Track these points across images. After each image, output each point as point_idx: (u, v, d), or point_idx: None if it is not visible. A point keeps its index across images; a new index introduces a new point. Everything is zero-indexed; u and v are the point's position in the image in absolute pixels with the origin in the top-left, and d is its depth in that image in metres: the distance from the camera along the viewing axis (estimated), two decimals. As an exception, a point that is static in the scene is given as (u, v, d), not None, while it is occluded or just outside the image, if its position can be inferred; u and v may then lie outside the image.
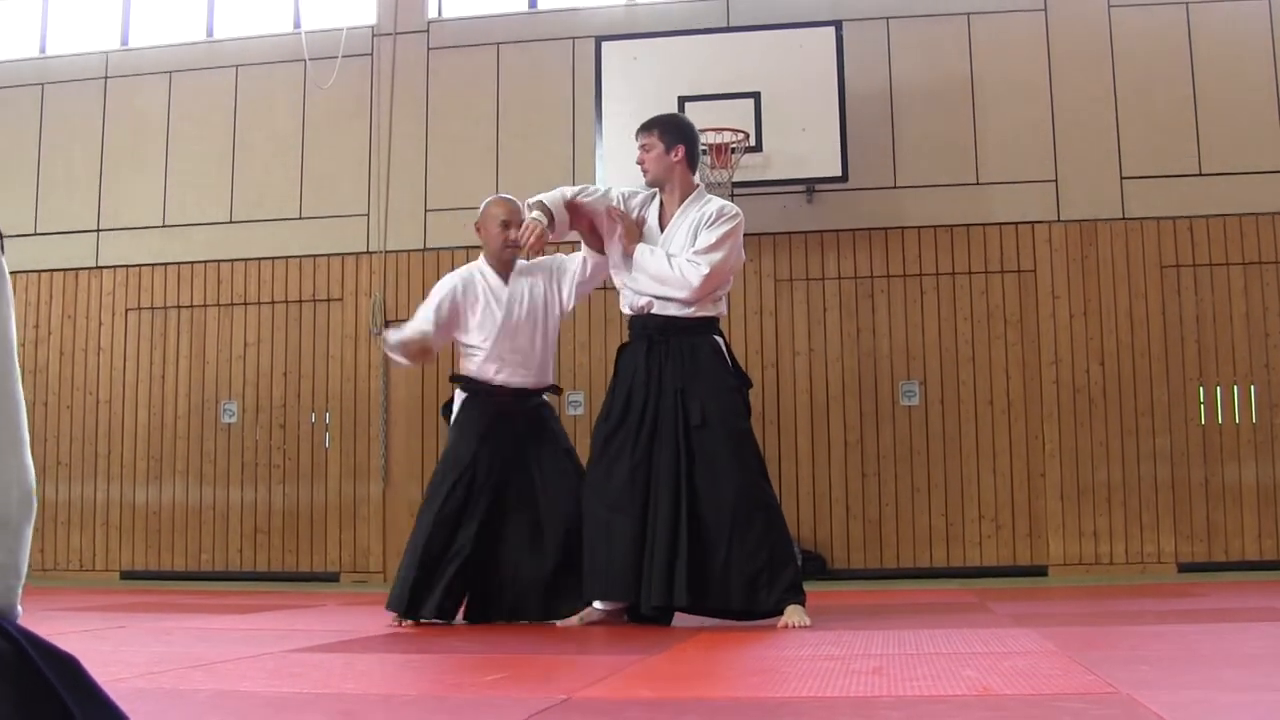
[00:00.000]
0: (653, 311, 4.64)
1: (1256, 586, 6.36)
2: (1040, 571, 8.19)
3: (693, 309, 4.58)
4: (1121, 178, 8.48)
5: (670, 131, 4.74)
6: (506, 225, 4.91)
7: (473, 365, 4.92)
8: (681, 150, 4.71)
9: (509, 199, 5.04)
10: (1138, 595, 5.91)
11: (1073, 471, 8.26)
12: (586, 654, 3.73)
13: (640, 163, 4.77)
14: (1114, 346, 8.34)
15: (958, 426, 8.42)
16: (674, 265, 4.54)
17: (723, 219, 4.60)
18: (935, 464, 8.40)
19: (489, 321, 4.89)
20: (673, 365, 4.56)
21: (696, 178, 4.84)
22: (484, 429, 4.85)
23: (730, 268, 4.63)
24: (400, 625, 4.66)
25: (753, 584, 4.35)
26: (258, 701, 2.61)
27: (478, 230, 5.06)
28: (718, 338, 4.67)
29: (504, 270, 4.98)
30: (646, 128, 4.77)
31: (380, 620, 4.86)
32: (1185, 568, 8.05)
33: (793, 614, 4.30)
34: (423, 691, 2.87)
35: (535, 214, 4.51)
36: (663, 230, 4.72)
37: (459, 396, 4.98)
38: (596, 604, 4.61)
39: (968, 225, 8.57)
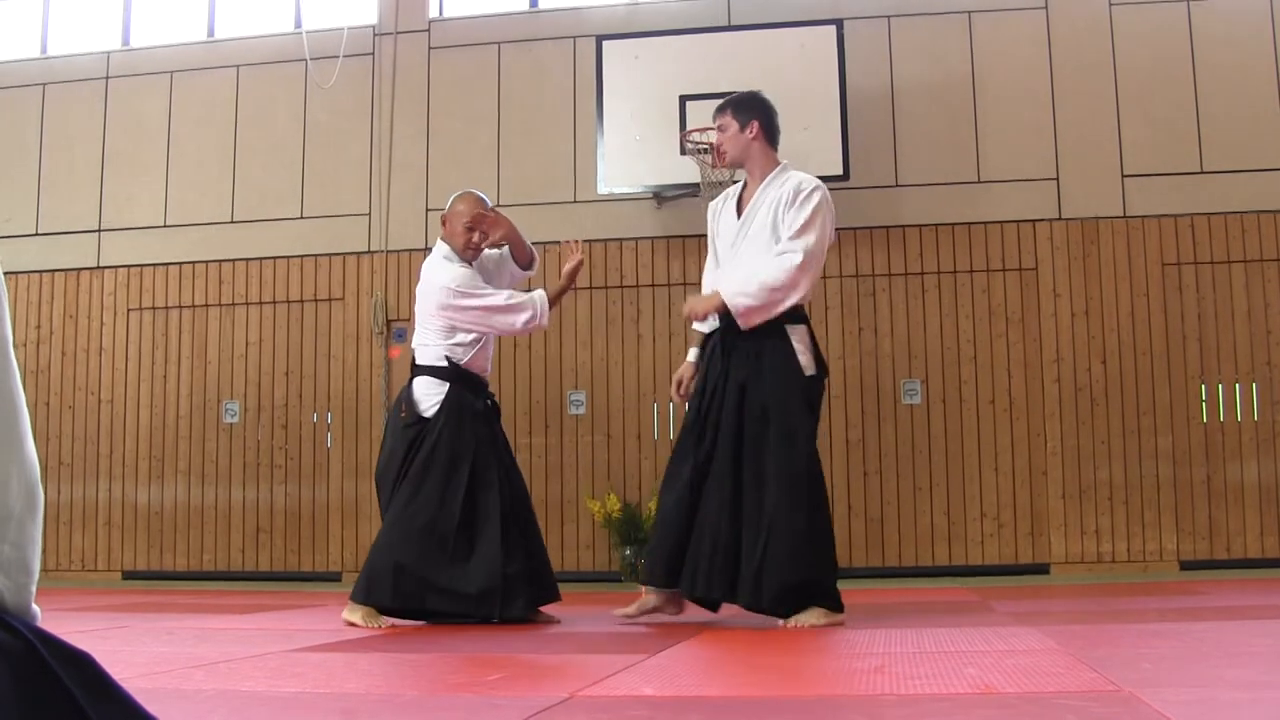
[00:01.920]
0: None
1: (1258, 584, 6.36)
2: (1042, 570, 8.19)
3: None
4: (1123, 175, 8.48)
5: (743, 109, 4.66)
6: (470, 229, 4.93)
7: (465, 355, 4.90)
8: (756, 126, 4.62)
9: (476, 197, 5.02)
10: (1140, 593, 5.91)
11: (1074, 470, 8.26)
12: (589, 653, 3.73)
13: (718, 146, 4.71)
14: (1115, 345, 8.33)
15: (959, 425, 8.41)
16: (766, 273, 4.36)
17: (801, 197, 4.46)
18: (937, 462, 8.39)
19: None
20: (739, 359, 4.48)
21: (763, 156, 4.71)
22: (477, 420, 4.84)
23: (825, 246, 4.45)
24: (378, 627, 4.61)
25: (783, 586, 4.28)
26: (260, 701, 2.61)
27: (443, 223, 5.06)
28: (793, 328, 4.49)
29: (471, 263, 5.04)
30: (720, 109, 4.71)
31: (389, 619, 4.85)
32: (1187, 566, 8.04)
33: (810, 615, 4.27)
34: (424, 691, 2.87)
35: None
36: (740, 215, 4.62)
37: (438, 387, 4.87)
38: (649, 588, 4.60)
39: (969, 223, 8.56)
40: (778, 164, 4.67)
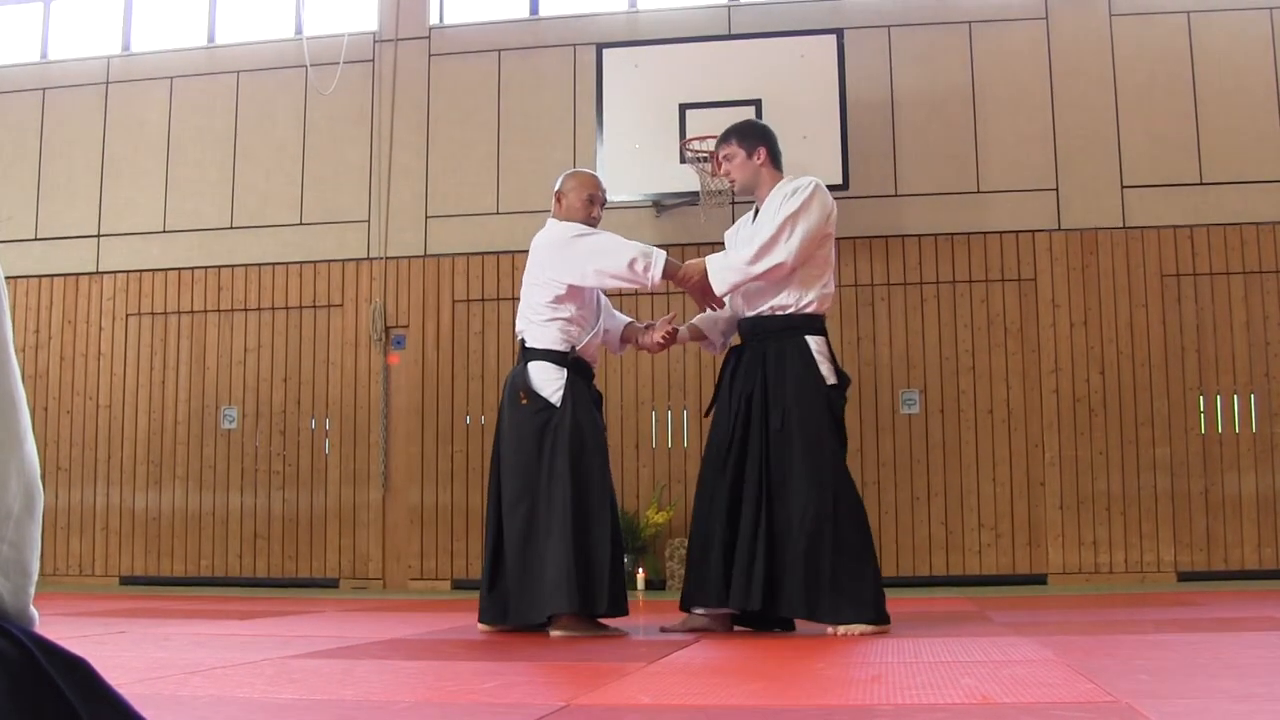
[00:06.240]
0: (745, 314, 4.62)
1: (1256, 596, 6.35)
2: (1040, 580, 8.18)
3: (787, 306, 4.50)
4: (1122, 186, 8.49)
5: (748, 137, 4.73)
6: (593, 201, 4.90)
7: (580, 340, 4.75)
8: (763, 152, 4.70)
9: (591, 174, 5.03)
10: (1137, 604, 5.90)
11: (1072, 480, 8.26)
12: (586, 661, 3.72)
13: (726, 174, 4.78)
14: (1114, 355, 8.34)
15: (958, 435, 8.42)
16: (751, 243, 4.49)
17: (787, 196, 4.54)
18: (935, 472, 8.40)
19: (589, 291, 4.83)
20: (760, 370, 4.51)
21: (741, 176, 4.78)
22: (593, 408, 4.75)
23: (816, 231, 4.47)
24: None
25: (813, 594, 4.28)
26: (256, 707, 2.61)
27: (558, 200, 4.94)
28: (812, 339, 4.51)
29: None
30: (724, 139, 4.77)
31: (380, 626, 4.83)
32: (1184, 577, 8.04)
33: (847, 625, 4.27)
34: (421, 698, 2.86)
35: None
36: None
37: (557, 373, 4.67)
38: (697, 609, 4.59)
39: (968, 234, 8.57)
40: (782, 179, 4.74)
